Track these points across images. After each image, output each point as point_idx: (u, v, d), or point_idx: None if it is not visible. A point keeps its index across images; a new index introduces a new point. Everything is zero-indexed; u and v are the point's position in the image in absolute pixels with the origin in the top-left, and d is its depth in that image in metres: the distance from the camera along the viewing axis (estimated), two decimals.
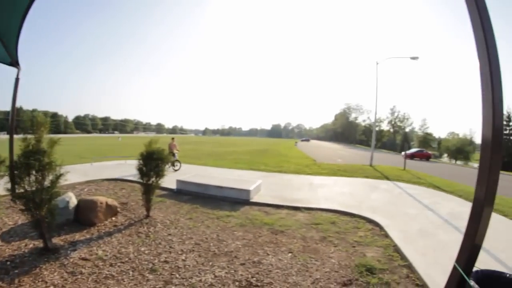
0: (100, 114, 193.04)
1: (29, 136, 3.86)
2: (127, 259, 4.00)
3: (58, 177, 4.02)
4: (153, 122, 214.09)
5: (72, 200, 5.38)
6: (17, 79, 6.40)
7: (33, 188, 3.85)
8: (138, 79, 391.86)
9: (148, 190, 5.53)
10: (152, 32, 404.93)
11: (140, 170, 5.51)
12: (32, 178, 3.82)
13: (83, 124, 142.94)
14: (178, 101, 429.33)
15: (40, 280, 3.44)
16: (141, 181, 5.84)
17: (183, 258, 4.10)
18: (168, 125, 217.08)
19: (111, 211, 5.55)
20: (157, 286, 3.33)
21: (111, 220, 5.37)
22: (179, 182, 8.55)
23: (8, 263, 3.85)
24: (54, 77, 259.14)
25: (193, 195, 8.05)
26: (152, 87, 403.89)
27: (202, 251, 4.37)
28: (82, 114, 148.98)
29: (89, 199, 5.39)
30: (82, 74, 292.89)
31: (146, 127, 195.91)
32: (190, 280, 3.50)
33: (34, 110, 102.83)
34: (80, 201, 5.42)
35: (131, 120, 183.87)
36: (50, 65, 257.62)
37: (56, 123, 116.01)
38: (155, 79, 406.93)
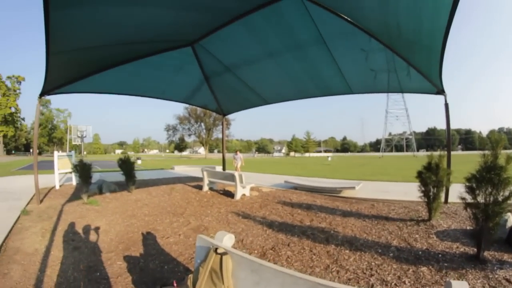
0: None
1: (486, 152, 4.27)
2: None
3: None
4: None
5: (510, 219, 5.19)
6: (446, 105, 7.46)
7: (487, 201, 4.16)
8: None
9: None
10: None
11: None
12: (488, 191, 4.13)
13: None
14: None
15: (463, 279, 3.72)
16: None
17: None
18: None
19: None
20: None
21: None
22: None
23: (440, 255, 4.44)
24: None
25: None
26: None
27: None
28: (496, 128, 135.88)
29: None
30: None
31: None
32: None
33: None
34: None
35: None
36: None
37: (471, 139, 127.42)
38: None
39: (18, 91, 67.10)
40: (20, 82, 67.06)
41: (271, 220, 6.51)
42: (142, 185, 11.10)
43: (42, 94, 7.12)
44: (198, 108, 66.51)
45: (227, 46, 7.44)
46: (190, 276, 2.56)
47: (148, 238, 5.45)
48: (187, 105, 68.79)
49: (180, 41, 7.08)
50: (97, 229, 5.99)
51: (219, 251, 2.35)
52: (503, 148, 4.24)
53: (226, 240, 2.63)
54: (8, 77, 64.44)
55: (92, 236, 5.59)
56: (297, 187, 10.72)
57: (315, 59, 7.53)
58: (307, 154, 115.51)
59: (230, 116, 74.20)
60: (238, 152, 16.59)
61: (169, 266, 4.19)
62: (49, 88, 7.01)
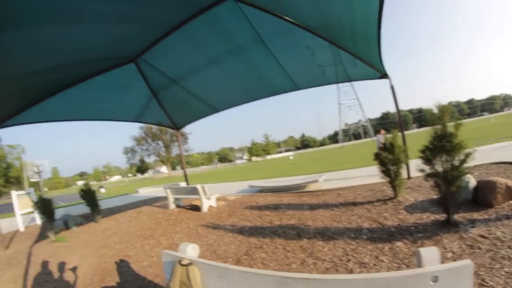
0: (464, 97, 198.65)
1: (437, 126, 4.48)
2: None
3: (467, 155, 4.31)
4: None
5: (471, 181, 5.45)
6: (392, 87, 7.82)
7: (445, 168, 4.38)
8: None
9: None
10: None
11: None
12: (443, 158, 4.38)
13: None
14: None
15: (440, 245, 3.85)
16: None
17: None
18: None
19: (510, 194, 5.11)
20: None
21: (509, 203, 5.00)
22: None
23: (412, 228, 4.61)
24: None
25: None
26: None
27: None
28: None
29: (489, 180, 5.26)
30: None
31: None
32: None
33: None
34: (479, 182, 5.38)
35: (497, 96, 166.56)
36: None
37: (424, 117, 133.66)
38: None
39: None
40: None
41: (241, 226, 6.48)
42: (109, 213, 10.73)
43: None
44: (154, 126, 65.30)
45: (170, 58, 7.34)
46: None
47: (122, 266, 5.31)
48: (142, 125, 67.14)
49: (121, 58, 6.87)
50: (69, 265, 5.80)
51: (183, 262, 2.28)
52: (456, 119, 4.45)
53: (190, 251, 2.55)
54: None
55: (66, 274, 5.41)
56: (262, 190, 10.72)
57: (257, 60, 7.62)
58: (268, 157, 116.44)
59: (187, 130, 72.45)
60: (381, 131, 13.81)
61: None
62: None
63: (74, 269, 5.56)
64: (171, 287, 2.30)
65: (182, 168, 12.51)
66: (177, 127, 12.15)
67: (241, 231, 6.12)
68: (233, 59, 7.56)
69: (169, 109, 10.46)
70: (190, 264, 2.26)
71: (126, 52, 6.67)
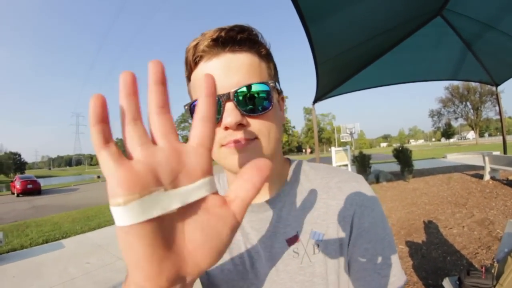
0: None
1: None
2: None
3: None
4: None
5: None
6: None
7: None
8: None
9: None
10: None
11: None
12: None
13: None
14: None
15: None
16: None
17: None
18: None
19: None
20: None
21: None
22: None
23: None
24: None
25: None
26: None
27: None
28: None
29: None
30: None
31: None
32: None
33: None
34: None
35: None
36: None
37: None
38: None
39: (284, 107, 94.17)
40: (284, 100, 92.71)
41: None
42: (417, 174, 10.99)
43: (315, 101, 8.16)
44: (460, 86, 57.78)
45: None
46: (496, 265, 2.36)
47: (430, 227, 5.38)
48: (447, 85, 60.86)
49: (426, 14, 6.44)
50: None
51: None
52: None
53: None
54: None
55: None
56: None
57: None
58: None
59: (499, 88, 59.60)
60: None
61: (451, 258, 4.01)
62: (320, 95, 7.96)
63: None
64: (508, 263, 2.20)
65: (498, 134, 10.71)
66: (496, 82, 10.14)
67: None
68: None
69: (486, 61, 8.88)
70: None
71: (429, 6, 6.24)
